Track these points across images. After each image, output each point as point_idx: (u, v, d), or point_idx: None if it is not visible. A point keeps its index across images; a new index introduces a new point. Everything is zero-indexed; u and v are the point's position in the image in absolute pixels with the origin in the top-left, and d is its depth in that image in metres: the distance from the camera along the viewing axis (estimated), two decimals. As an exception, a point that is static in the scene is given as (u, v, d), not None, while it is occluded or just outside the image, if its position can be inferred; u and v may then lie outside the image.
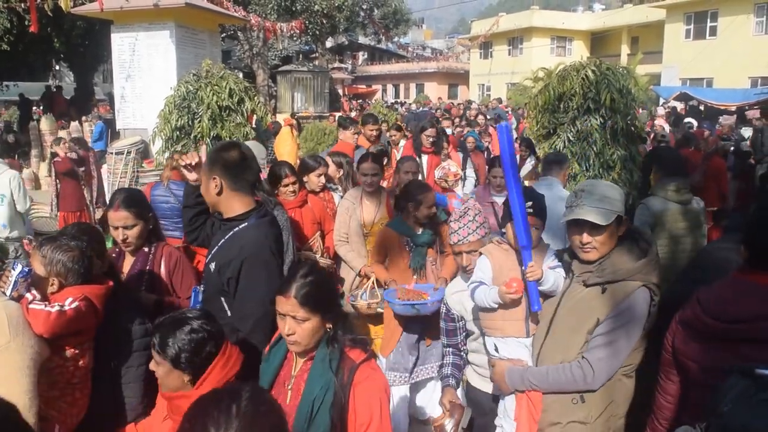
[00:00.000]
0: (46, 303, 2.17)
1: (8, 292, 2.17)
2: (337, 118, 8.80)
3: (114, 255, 3.10)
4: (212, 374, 2.02)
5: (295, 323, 2.00)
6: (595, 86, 6.39)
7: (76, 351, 2.28)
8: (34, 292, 2.20)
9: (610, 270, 2.36)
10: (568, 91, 6.53)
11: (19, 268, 2.20)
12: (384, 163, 5.61)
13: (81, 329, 2.28)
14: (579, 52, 34.36)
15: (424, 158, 6.70)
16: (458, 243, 2.84)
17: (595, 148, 6.41)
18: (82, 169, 8.77)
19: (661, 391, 2.34)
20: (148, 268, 3.06)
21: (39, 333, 2.12)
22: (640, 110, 13.30)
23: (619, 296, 2.32)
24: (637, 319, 2.32)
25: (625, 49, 34.83)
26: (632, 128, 6.76)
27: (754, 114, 11.17)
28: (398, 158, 6.53)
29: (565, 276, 2.57)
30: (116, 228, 3.02)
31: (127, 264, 3.13)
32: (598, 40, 37.51)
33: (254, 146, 7.04)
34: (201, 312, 2.16)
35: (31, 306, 2.14)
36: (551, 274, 2.54)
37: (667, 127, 13.79)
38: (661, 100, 21.17)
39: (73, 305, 2.21)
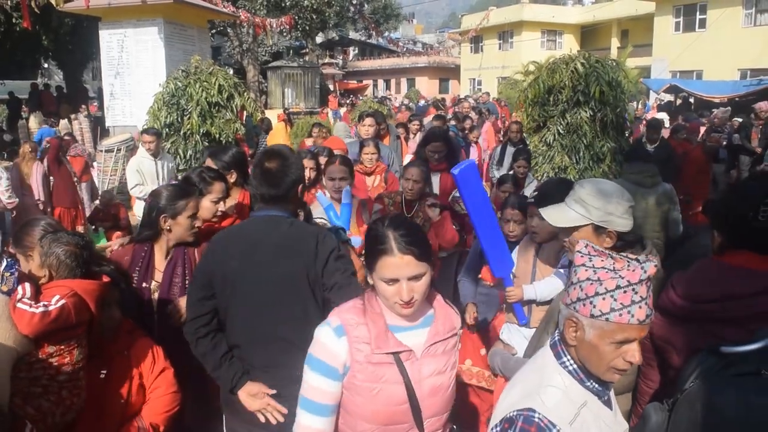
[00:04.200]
0: (32, 303, 2.12)
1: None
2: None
3: (143, 254, 2.91)
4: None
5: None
6: (584, 79, 6.41)
7: (62, 347, 2.20)
8: (26, 286, 2.15)
9: None
10: (557, 84, 6.55)
11: (4, 263, 2.17)
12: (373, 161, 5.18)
13: (67, 327, 2.19)
14: (569, 45, 34.40)
15: (435, 178, 5.12)
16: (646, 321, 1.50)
17: (585, 141, 6.44)
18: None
19: (642, 377, 2.37)
20: (186, 264, 2.92)
21: (24, 333, 2.08)
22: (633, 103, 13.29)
23: None
24: None
25: (615, 42, 34.85)
26: (622, 120, 6.80)
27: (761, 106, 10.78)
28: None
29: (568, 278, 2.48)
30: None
31: (159, 261, 2.95)
32: (589, 33, 37.54)
33: (343, 128, 7.11)
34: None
35: (17, 305, 2.10)
36: (531, 289, 2.75)
37: (667, 118, 13.83)
38: (652, 93, 21.23)
39: (59, 304, 2.14)
